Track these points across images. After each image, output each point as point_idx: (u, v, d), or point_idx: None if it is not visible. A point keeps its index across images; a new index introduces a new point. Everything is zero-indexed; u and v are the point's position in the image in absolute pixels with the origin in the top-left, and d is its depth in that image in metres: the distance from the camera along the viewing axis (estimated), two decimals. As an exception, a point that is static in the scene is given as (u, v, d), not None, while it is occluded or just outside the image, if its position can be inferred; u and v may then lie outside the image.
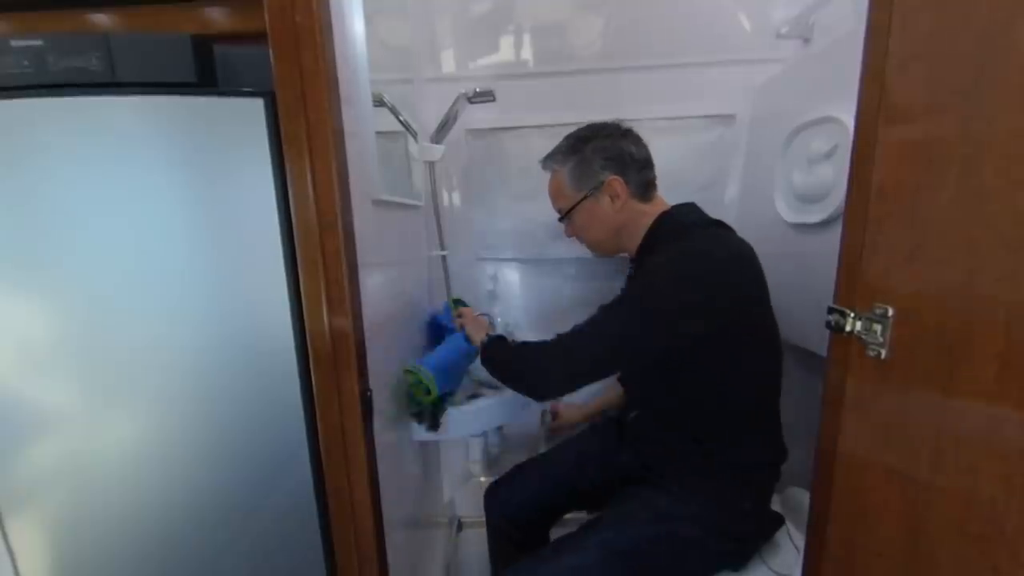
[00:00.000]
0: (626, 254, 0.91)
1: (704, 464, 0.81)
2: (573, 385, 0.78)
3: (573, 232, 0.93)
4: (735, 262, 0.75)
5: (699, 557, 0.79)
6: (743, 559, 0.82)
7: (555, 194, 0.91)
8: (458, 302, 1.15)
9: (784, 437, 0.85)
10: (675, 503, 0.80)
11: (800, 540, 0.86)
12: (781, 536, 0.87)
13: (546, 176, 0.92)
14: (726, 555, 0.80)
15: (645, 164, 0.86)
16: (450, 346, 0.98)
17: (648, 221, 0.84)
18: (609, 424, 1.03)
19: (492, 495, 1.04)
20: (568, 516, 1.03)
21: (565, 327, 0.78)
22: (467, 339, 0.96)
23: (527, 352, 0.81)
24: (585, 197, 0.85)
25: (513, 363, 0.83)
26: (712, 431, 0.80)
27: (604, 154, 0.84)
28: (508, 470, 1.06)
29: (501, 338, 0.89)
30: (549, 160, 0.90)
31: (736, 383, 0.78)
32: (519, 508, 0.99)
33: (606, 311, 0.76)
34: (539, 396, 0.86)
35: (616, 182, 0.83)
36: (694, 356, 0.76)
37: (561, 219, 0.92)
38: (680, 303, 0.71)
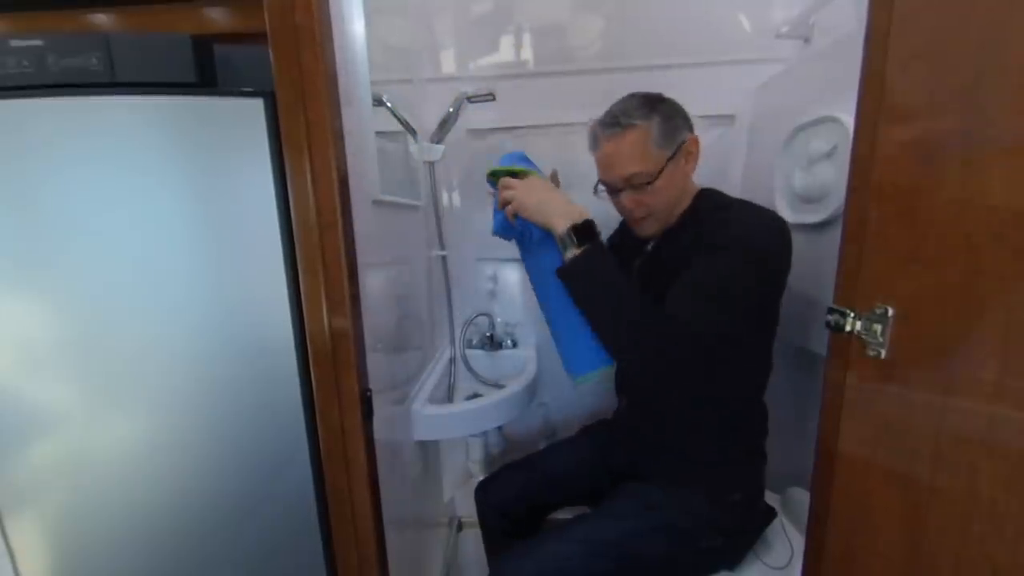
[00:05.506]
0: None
1: (694, 456, 0.81)
2: (695, 361, 0.66)
3: (642, 201, 0.77)
4: (788, 235, 0.74)
5: (688, 550, 0.78)
6: (736, 556, 0.81)
7: (635, 156, 0.74)
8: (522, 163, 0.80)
9: (779, 435, 0.84)
10: (664, 495, 0.79)
11: (794, 534, 0.86)
12: (774, 532, 0.87)
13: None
14: (718, 550, 0.79)
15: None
16: (538, 277, 0.77)
17: (693, 191, 0.80)
18: (602, 427, 1.03)
19: (482, 492, 1.02)
20: (564, 512, 1.02)
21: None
22: (520, 234, 0.77)
23: (652, 317, 0.66)
24: (670, 158, 0.74)
25: (629, 316, 0.67)
26: (705, 421, 0.80)
27: (681, 112, 0.76)
28: (498, 468, 1.04)
29: (603, 249, 0.71)
30: (625, 116, 0.73)
31: (744, 367, 0.78)
32: (512, 503, 0.98)
33: (705, 271, 0.67)
34: (644, 374, 0.74)
35: (695, 141, 0.75)
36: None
37: (636, 186, 0.75)
38: (775, 248, 0.70)
